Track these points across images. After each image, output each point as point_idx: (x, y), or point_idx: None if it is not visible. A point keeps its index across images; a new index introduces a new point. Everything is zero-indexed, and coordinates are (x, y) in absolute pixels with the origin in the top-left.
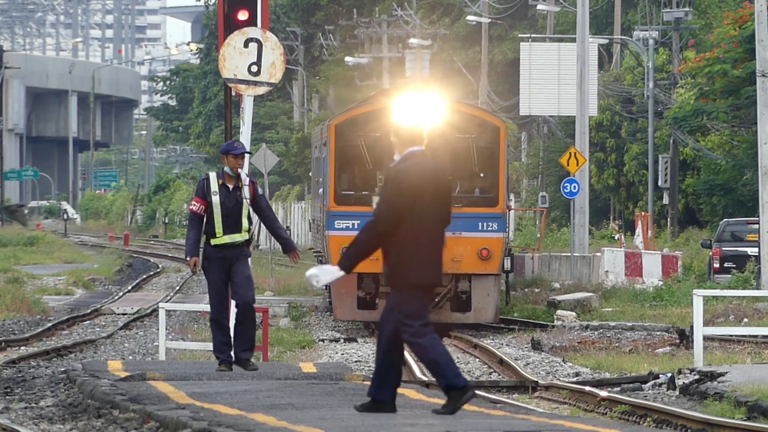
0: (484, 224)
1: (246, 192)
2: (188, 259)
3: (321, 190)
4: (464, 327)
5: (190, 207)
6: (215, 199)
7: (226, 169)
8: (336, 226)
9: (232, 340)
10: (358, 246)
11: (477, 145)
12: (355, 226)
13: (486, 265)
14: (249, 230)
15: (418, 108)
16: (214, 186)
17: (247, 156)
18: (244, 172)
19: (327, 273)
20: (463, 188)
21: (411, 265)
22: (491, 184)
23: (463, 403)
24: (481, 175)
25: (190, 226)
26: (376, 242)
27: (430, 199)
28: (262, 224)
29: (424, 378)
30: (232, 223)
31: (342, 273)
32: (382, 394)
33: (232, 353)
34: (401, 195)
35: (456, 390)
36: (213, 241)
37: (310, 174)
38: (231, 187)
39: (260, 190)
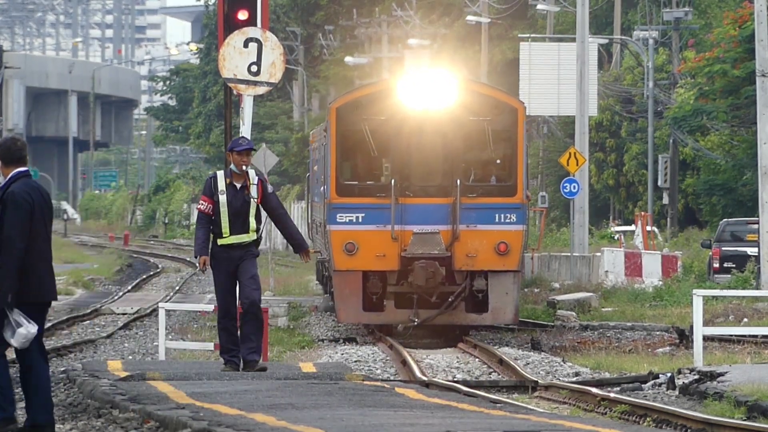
0: (502, 216)
1: (254, 192)
2: (197, 258)
3: (322, 188)
4: (478, 329)
5: (198, 206)
6: (222, 199)
7: (232, 167)
8: (338, 220)
9: (239, 341)
10: (5, 273)
11: (493, 128)
12: (359, 220)
13: (504, 261)
14: (257, 230)
15: (427, 88)
16: (222, 185)
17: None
18: (252, 171)
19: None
20: (477, 176)
21: (31, 283)
22: (509, 172)
23: None
24: (498, 161)
25: (198, 225)
26: (21, 262)
27: (40, 216)
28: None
29: (424, 378)
30: (239, 224)
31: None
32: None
33: (239, 355)
34: (21, 214)
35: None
36: (219, 241)
37: (308, 176)
38: (239, 186)
39: (270, 188)
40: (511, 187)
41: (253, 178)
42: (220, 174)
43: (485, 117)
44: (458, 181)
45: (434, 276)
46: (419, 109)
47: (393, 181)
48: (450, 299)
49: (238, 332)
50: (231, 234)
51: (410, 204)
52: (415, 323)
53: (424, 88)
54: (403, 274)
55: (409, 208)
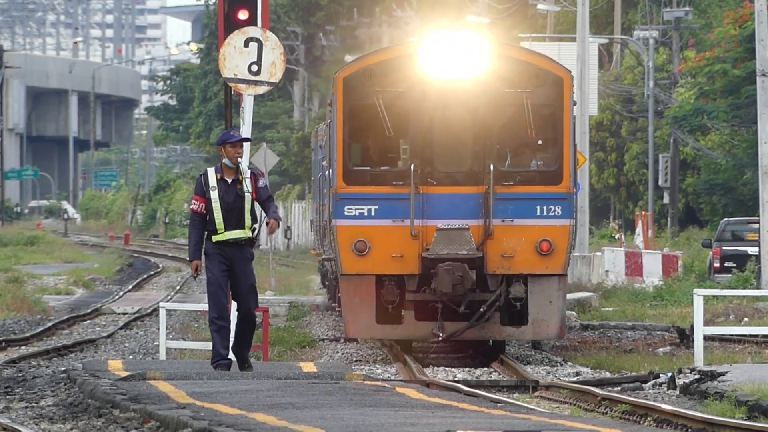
0: (545, 208)
1: (248, 185)
2: (191, 261)
3: (328, 172)
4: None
5: (191, 206)
6: (213, 195)
7: (225, 161)
8: (346, 213)
9: (233, 340)
10: None
11: (533, 102)
12: (372, 213)
13: (547, 263)
14: (253, 228)
15: (454, 54)
16: (212, 181)
17: (246, 144)
18: (244, 164)
19: None
20: (515, 161)
21: None
22: (553, 155)
23: None
24: (539, 142)
25: (192, 226)
26: None
27: None
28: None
29: (424, 378)
30: (234, 219)
31: None
32: None
33: (230, 355)
34: None
35: None
36: (215, 238)
37: (320, 175)
38: (230, 181)
39: (262, 182)
40: (556, 174)
41: (246, 172)
42: (211, 171)
43: (524, 88)
44: (491, 167)
45: (462, 281)
46: (444, 80)
47: (412, 166)
48: (482, 309)
49: (232, 332)
50: (226, 230)
51: (433, 194)
52: (440, 338)
53: (449, 55)
54: (424, 279)
55: (431, 199)
